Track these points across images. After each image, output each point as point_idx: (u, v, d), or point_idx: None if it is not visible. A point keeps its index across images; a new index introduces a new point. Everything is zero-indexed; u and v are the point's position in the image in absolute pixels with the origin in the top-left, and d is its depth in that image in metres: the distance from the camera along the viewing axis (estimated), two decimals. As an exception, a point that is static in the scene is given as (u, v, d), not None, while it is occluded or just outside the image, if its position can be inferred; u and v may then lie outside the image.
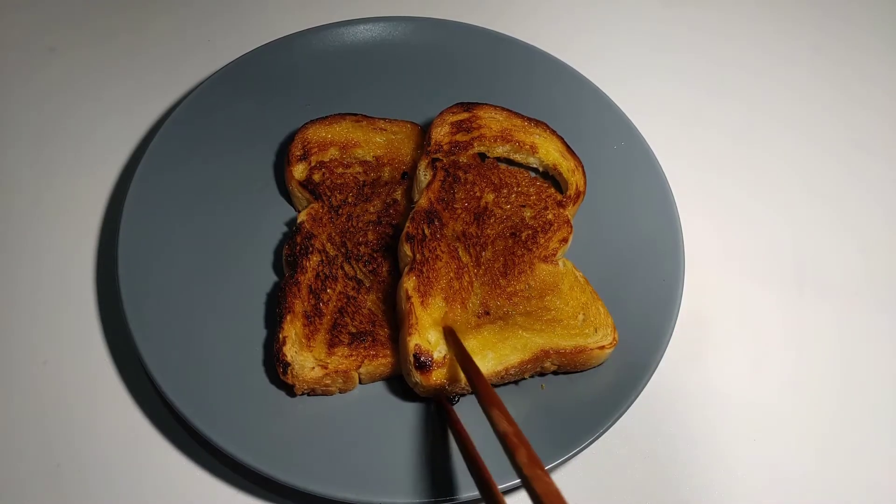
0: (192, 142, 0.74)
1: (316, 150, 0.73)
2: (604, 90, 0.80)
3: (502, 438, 0.48)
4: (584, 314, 0.65)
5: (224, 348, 0.63)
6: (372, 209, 0.71)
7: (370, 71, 0.81)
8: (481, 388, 0.53)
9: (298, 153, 0.72)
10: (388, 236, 0.69)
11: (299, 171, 0.72)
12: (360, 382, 0.63)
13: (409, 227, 0.65)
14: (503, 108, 0.76)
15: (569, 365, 0.63)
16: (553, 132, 0.75)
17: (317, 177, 0.72)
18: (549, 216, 0.71)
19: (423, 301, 0.62)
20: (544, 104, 0.77)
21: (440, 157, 0.71)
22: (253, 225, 0.71)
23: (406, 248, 0.64)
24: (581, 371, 0.65)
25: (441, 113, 0.74)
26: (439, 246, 0.65)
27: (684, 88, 0.91)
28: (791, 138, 0.89)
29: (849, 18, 1.00)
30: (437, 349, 0.60)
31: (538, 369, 0.63)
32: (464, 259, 0.66)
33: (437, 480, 0.58)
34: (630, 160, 0.76)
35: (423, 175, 0.70)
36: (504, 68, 0.82)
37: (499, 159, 0.74)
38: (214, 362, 0.62)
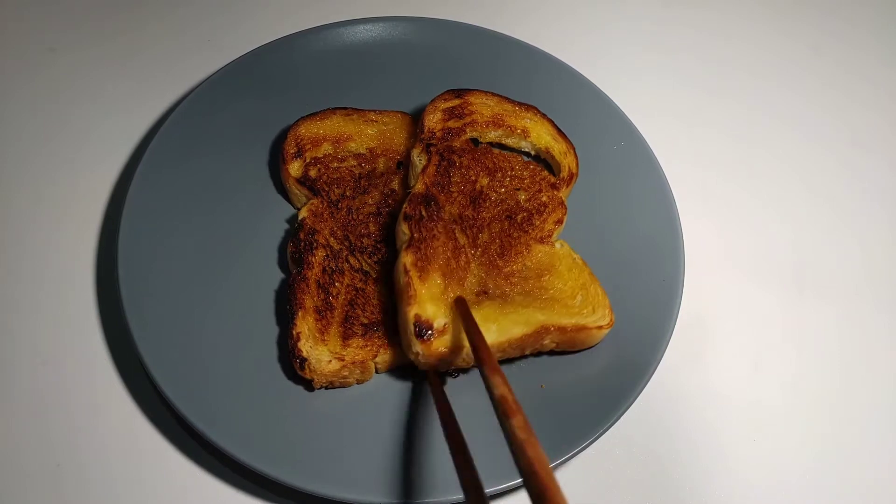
0: (193, 141, 0.74)
1: (309, 146, 0.73)
2: (604, 90, 0.80)
3: (500, 403, 0.47)
4: (582, 294, 0.65)
5: (225, 348, 0.63)
6: (370, 201, 0.71)
7: (370, 71, 0.81)
8: (485, 355, 0.52)
9: (292, 150, 0.72)
10: (389, 226, 0.69)
11: (295, 168, 0.72)
12: (377, 371, 0.64)
13: (406, 207, 0.65)
14: (494, 94, 0.76)
15: (567, 343, 0.63)
16: (543, 116, 0.75)
17: (313, 173, 0.72)
18: (544, 198, 0.71)
19: (420, 276, 0.61)
20: (544, 104, 0.77)
21: (434, 143, 0.71)
22: (254, 223, 0.71)
23: (404, 227, 0.64)
24: (577, 351, 0.65)
25: (433, 100, 0.74)
26: (436, 227, 0.65)
27: (684, 88, 0.91)
28: (791, 138, 0.89)
29: (849, 18, 1.00)
30: (437, 320, 0.60)
31: (538, 346, 0.63)
32: (461, 240, 0.66)
33: (442, 479, 0.58)
34: (630, 160, 0.76)
35: (418, 160, 0.70)
36: (504, 68, 0.82)
37: (491, 144, 0.75)
38: (215, 362, 0.62)
